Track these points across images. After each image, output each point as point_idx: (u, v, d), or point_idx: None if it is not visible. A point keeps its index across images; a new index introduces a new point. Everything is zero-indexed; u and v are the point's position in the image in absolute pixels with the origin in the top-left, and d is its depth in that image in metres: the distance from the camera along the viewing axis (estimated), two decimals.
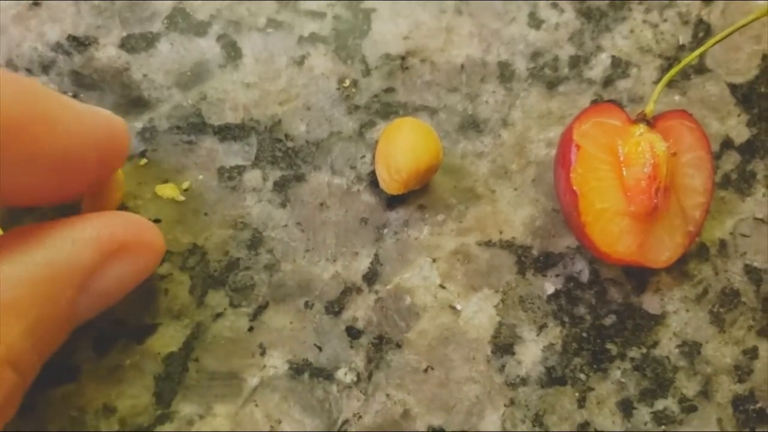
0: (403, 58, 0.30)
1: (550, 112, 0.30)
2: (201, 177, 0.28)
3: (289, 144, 0.29)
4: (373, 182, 0.29)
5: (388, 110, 0.30)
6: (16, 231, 0.19)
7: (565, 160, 0.27)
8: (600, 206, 0.27)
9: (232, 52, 0.30)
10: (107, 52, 0.29)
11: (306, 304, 0.27)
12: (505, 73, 0.30)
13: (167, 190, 0.28)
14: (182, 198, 0.28)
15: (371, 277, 0.28)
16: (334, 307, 0.27)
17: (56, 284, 0.19)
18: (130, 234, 0.21)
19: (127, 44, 0.30)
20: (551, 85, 0.30)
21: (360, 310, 0.27)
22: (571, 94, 0.30)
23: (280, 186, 0.29)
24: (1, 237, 0.19)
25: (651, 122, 0.28)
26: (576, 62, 0.31)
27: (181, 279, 0.27)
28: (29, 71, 0.29)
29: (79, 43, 0.29)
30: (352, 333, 0.27)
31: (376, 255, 0.28)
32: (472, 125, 0.30)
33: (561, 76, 0.31)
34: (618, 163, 0.27)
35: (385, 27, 0.30)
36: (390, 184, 0.27)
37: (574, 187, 0.26)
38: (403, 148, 0.27)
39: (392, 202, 0.29)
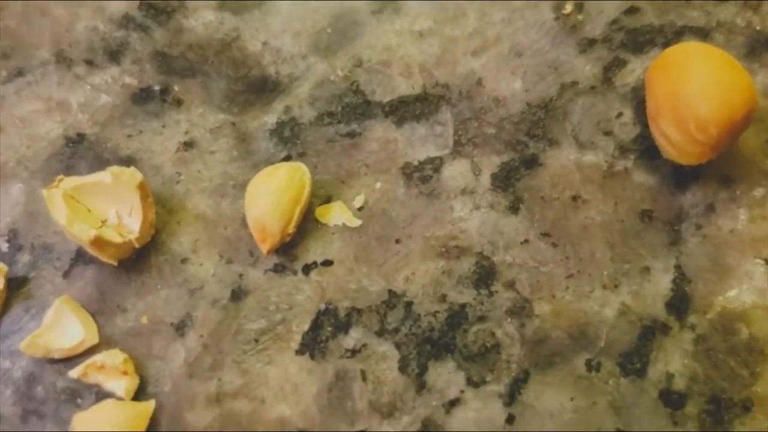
0: None
1: None
2: (379, 185, 0.24)
3: (502, 112, 0.25)
4: (647, 151, 0.24)
5: (639, 40, 0.25)
6: None
7: None
8: None
9: None
10: (202, 18, 0.26)
11: (588, 364, 0.22)
12: None
13: (334, 213, 0.24)
14: (358, 221, 0.24)
15: (679, 304, 0.22)
16: (634, 362, 0.22)
17: None
18: None
19: (228, 2, 0.26)
20: None
21: (674, 360, 0.22)
22: None
23: (503, 179, 0.24)
24: None
25: None
26: None
27: (382, 351, 0.22)
28: (90, 63, 0.25)
29: (159, 11, 0.26)
30: (671, 400, 0.21)
31: (677, 267, 0.23)
32: (765, 45, 0.24)
33: None
34: None
35: None
36: (686, 149, 0.22)
37: None
38: (704, 87, 0.21)
39: (682, 177, 0.24)
